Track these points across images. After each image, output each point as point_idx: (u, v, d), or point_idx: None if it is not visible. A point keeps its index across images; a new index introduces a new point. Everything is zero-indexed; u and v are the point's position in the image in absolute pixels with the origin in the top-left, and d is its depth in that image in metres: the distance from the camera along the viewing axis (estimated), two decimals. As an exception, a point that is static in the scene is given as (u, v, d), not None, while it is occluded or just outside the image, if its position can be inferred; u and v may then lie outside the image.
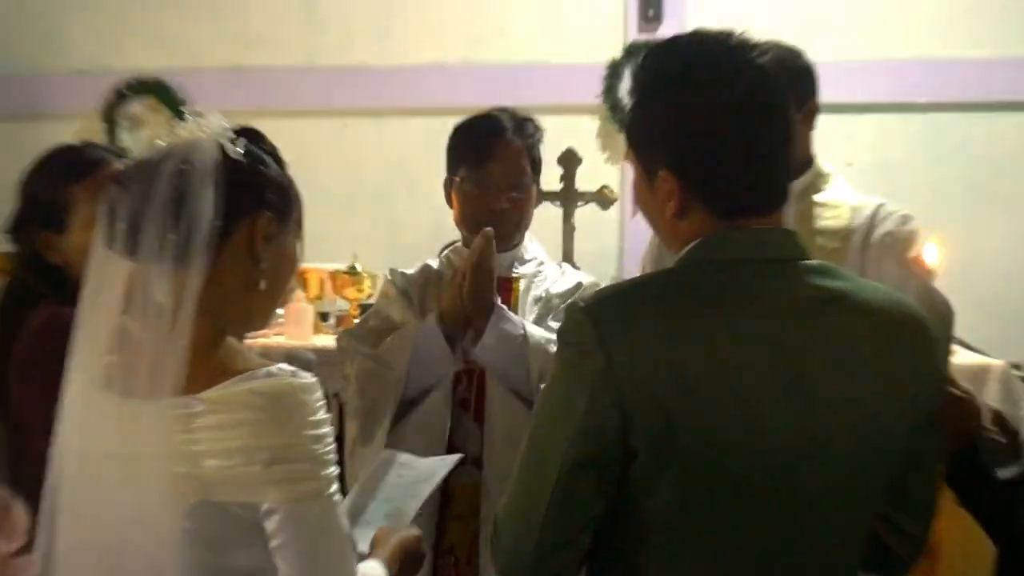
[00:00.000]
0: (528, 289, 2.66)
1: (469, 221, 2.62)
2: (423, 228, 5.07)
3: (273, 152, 1.72)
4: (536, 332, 2.49)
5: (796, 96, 2.57)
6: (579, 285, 2.69)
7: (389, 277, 2.75)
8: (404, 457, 2.23)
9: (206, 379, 1.59)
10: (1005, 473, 1.99)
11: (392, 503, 2.06)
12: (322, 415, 1.61)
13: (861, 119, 5.27)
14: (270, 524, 1.59)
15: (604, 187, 4.28)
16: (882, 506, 1.69)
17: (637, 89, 1.66)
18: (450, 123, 2.60)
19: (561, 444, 1.55)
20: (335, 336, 3.20)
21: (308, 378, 1.61)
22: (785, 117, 1.62)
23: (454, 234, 2.80)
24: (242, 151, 1.65)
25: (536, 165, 2.66)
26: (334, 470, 1.62)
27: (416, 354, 2.51)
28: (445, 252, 2.79)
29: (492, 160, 2.58)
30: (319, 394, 1.61)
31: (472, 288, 2.45)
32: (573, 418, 1.54)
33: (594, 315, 1.55)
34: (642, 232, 2.50)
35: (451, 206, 2.67)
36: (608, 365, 1.51)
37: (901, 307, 1.66)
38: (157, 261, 1.58)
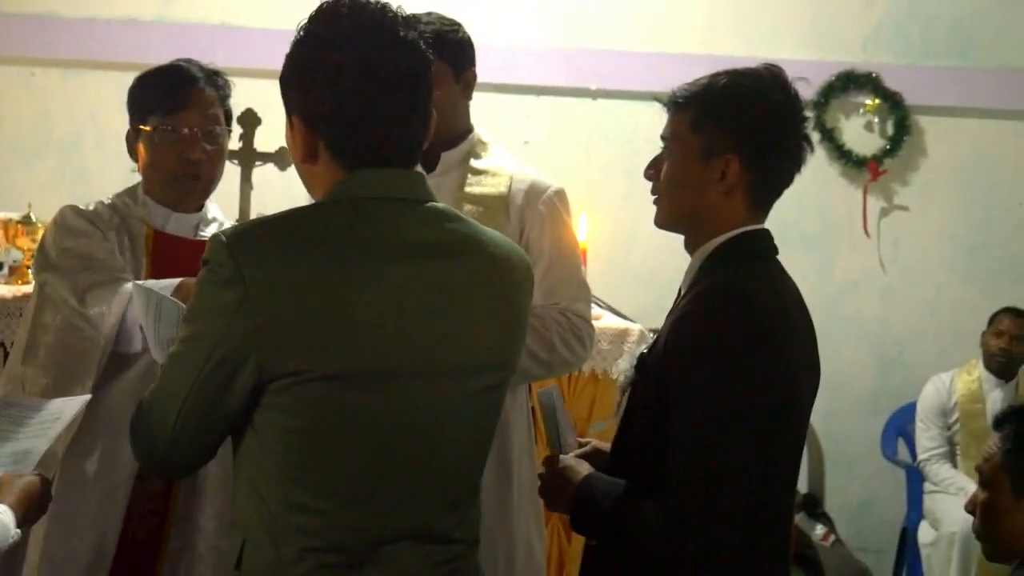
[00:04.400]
0: None
1: (161, 173, 2.50)
2: (112, 181, 4.76)
3: None
4: None
5: (454, 67, 2.65)
6: None
7: (72, 212, 2.50)
8: (19, 399, 2.17)
9: None
10: None
11: (13, 444, 1.95)
12: None
13: (538, 101, 5.43)
14: None
15: (283, 147, 3.96)
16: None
17: (293, 43, 1.72)
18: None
19: (197, 362, 1.63)
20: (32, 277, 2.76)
21: None
22: (416, 87, 1.72)
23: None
24: None
25: (228, 118, 2.57)
26: None
27: (128, 322, 2.33)
28: (119, 195, 2.59)
29: (186, 108, 2.46)
30: None
31: None
32: (208, 341, 1.62)
33: (233, 247, 1.61)
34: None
35: (135, 159, 2.55)
36: (245, 296, 1.59)
37: (515, 250, 1.81)
38: None
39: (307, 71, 1.68)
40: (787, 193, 6.36)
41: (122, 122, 2.42)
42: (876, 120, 5.42)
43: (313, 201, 1.74)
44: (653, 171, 2.02)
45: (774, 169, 1.97)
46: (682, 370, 1.83)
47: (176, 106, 2.46)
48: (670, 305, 2.01)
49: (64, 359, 2.38)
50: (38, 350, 2.41)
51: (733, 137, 1.92)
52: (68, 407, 2.05)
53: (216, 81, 2.53)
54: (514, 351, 1.79)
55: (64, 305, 2.40)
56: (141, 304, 2.16)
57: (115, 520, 2.41)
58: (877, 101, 5.36)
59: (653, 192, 2.02)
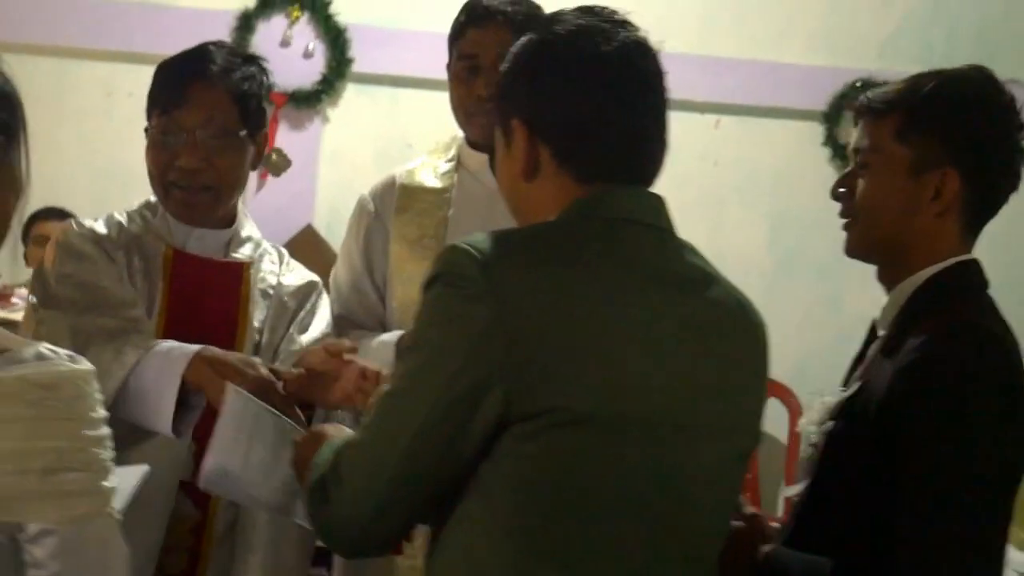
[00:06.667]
0: (256, 279, 2.42)
1: (154, 181, 2.37)
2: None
3: None
4: None
5: None
6: (313, 284, 2.51)
7: (75, 230, 2.38)
8: None
9: None
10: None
11: None
12: (102, 412, 1.47)
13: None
14: (39, 551, 1.41)
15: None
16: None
17: (515, 51, 1.71)
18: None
19: (430, 396, 1.55)
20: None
21: (86, 364, 1.46)
22: (661, 89, 1.70)
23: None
24: None
25: (251, 117, 2.38)
26: (114, 481, 1.48)
27: (132, 391, 2.15)
28: (137, 209, 2.46)
29: (183, 106, 2.30)
30: (97, 385, 1.47)
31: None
32: (448, 368, 1.54)
33: (483, 258, 1.55)
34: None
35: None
36: (498, 314, 1.52)
37: (753, 307, 1.76)
38: None
39: (538, 67, 1.66)
40: (792, 217, 6.40)
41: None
42: (896, 135, 5.44)
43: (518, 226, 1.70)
44: (846, 189, 1.97)
45: (993, 185, 1.93)
46: (926, 421, 1.76)
47: (173, 103, 2.31)
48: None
49: None
50: None
51: (951, 147, 1.88)
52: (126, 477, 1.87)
53: (233, 73, 2.35)
54: (761, 417, 1.75)
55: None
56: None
57: None
58: (896, 114, 5.37)
59: (844, 215, 1.97)
